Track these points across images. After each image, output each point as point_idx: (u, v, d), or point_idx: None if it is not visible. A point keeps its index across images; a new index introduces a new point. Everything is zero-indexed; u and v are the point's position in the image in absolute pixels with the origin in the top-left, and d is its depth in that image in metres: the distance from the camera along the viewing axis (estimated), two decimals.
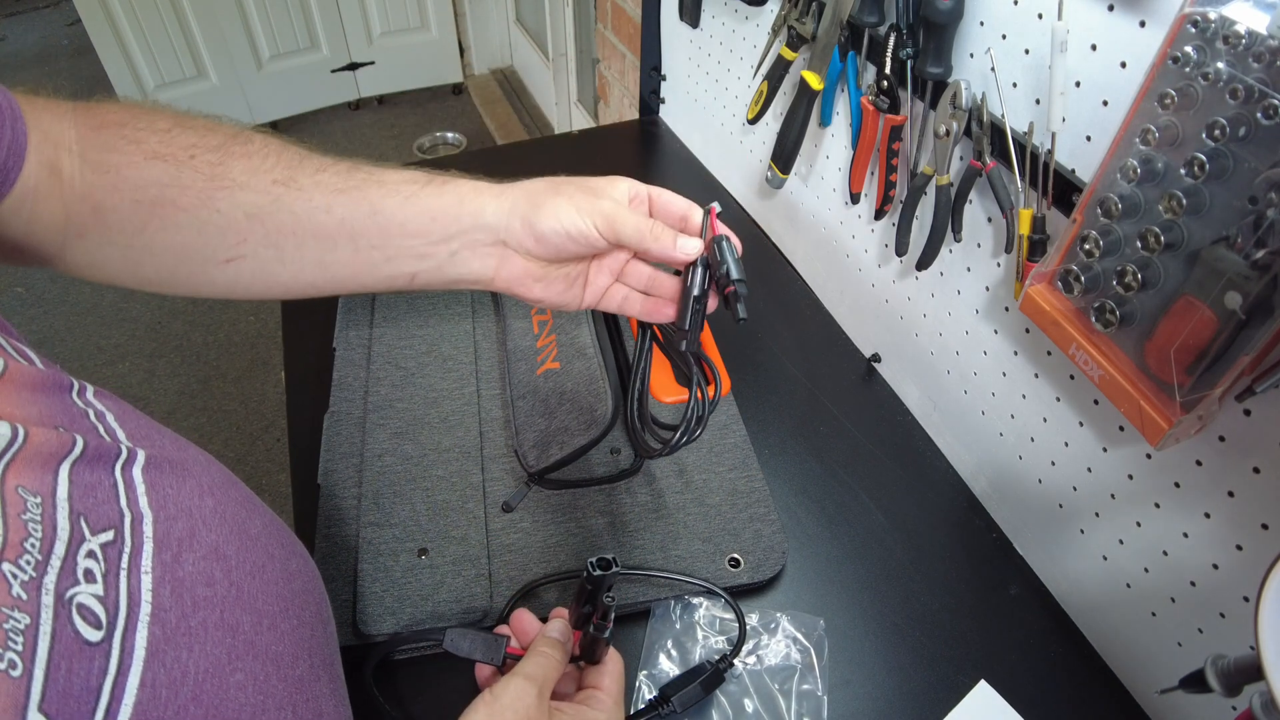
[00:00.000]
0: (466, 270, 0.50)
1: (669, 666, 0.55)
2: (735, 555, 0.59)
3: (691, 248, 0.46)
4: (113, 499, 0.31)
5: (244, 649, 0.32)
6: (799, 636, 0.56)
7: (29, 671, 0.24)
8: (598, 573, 0.44)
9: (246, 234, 0.46)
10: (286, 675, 0.34)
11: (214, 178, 0.45)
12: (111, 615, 0.28)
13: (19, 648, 0.24)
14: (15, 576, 0.25)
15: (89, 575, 0.28)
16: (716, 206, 0.48)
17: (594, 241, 0.46)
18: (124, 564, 0.29)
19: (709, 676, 0.52)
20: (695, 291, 0.45)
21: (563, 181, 0.49)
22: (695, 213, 0.49)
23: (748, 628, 0.56)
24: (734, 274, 0.44)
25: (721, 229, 0.47)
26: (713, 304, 0.47)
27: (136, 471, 0.33)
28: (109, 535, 0.30)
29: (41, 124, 0.43)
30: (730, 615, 0.57)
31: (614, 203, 0.47)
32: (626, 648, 0.56)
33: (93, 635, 0.27)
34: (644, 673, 0.54)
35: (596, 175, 0.50)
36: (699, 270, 0.46)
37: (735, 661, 0.54)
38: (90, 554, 0.28)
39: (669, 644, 0.56)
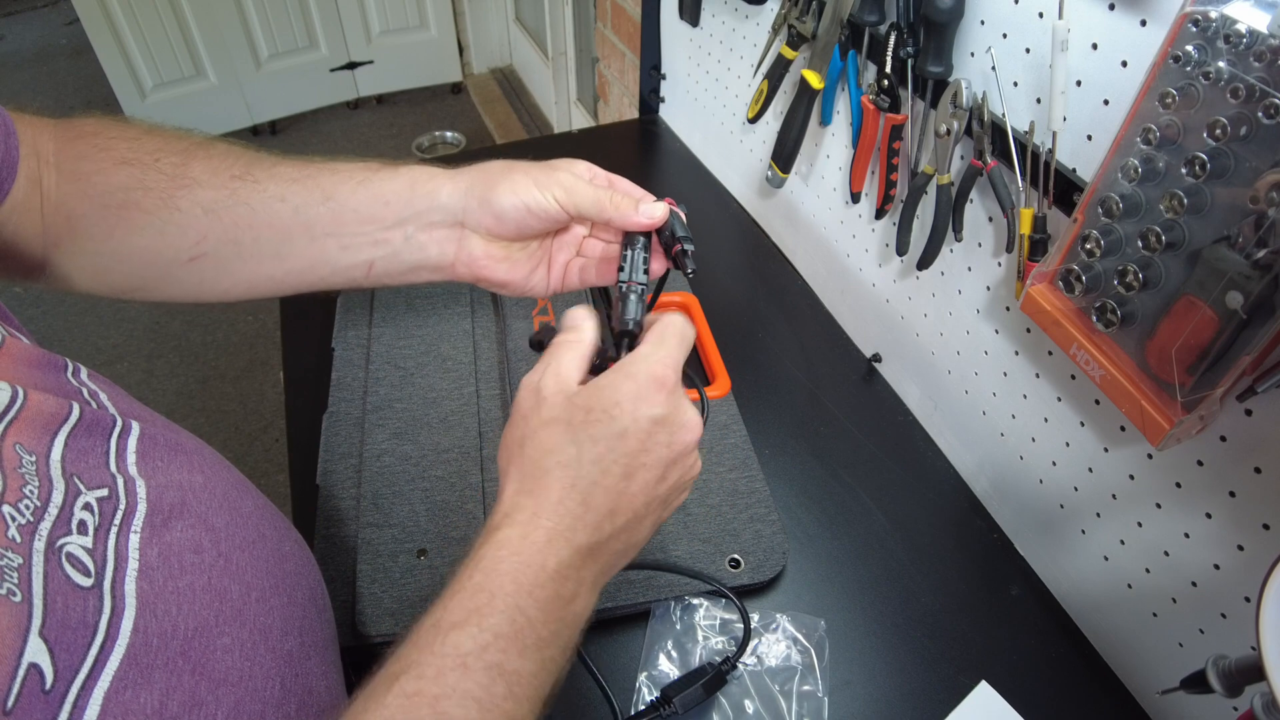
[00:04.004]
0: (424, 255, 0.50)
1: (669, 668, 0.55)
2: (735, 556, 0.59)
3: (656, 210, 0.46)
4: (103, 465, 0.32)
5: (231, 615, 0.32)
6: (799, 637, 0.56)
7: (28, 600, 0.25)
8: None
9: (205, 231, 0.47)
10: (275, 648, 0.34)
11: (175, 178, 0.46)
12: (99, 567, 0.29)
13: (15, 581, 0.25)
14: (13, 519, 0.27)
15: (82, 526, 0.29)
16: (678, 206, 0.49)
17: (554, 214, 0.47)
18: (116, 521, 0.30)
19: (711, 678, 0.52)
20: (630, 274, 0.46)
21: (519, 162, 0.49)
22: (649, 199, 0.50)
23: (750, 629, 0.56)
24: (683, 233, 0.46)
25: (672, 205, 0.48)
26: (658, 268, 0.48)
27: (130, 442, 0.34)
28: (103, 492, 0.31)
29: (26, 138, 0.44)
30: (730, 616, 0.57)
31: (572, 176, 0.47)
32: (627, 648, 0.56)
33: (82, 581, 0.28)
34: (644, 674, 0.54)
35: None
36: (638, 250, 0.46)
37: (737, 663, 0.54)
38: (86, 506, 0.30)
39: (669, 645, 0.56)
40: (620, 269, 0.46)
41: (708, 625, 0.56)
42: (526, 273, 0.51)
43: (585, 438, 0.37)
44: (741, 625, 0.56)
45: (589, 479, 0.36)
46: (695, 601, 0.57)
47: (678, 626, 0.56)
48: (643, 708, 0.52)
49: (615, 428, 0.37)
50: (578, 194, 0.46)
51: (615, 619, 0.58)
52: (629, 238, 0.47)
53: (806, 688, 0.54)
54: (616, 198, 0.46)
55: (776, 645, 0.56)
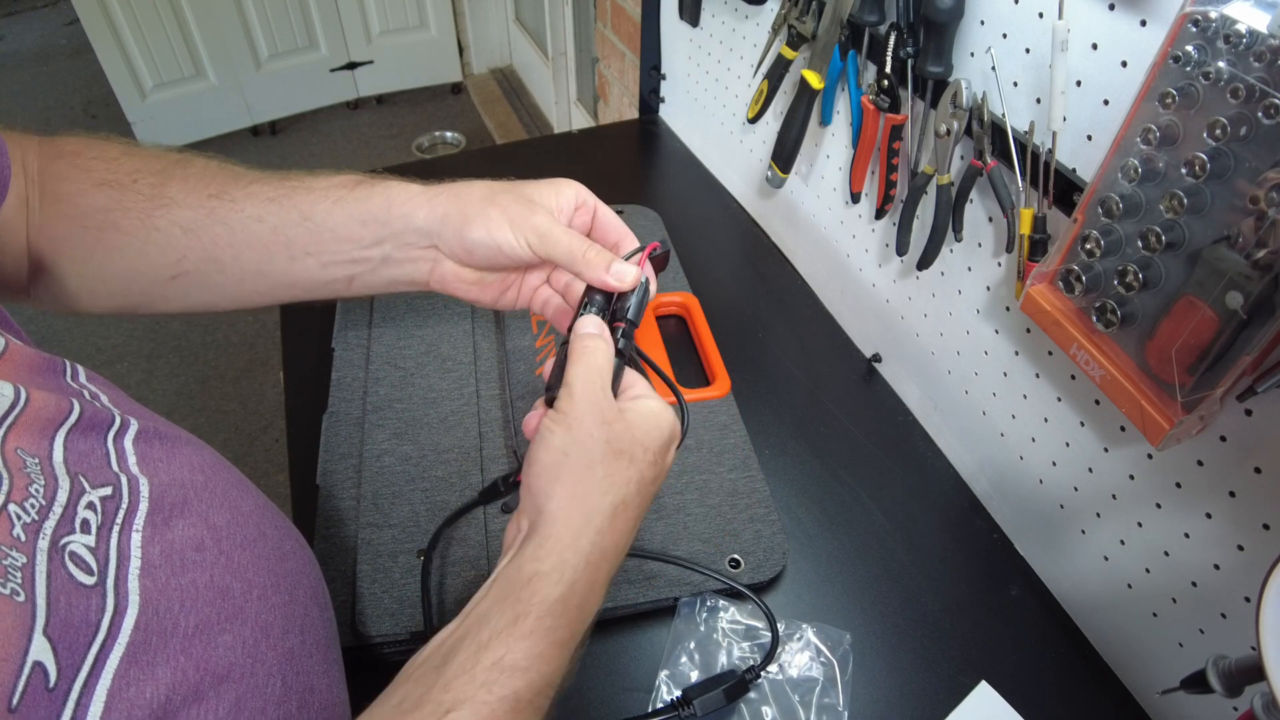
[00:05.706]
0: (401, 273, 0.50)
1: (690, 668, 0.54)
2: (735, 556, 0.59)
3: (627, 275, 0.44)
4: (105, 464, 0.32)
5: (233, 613, 0.33)
6: (824, 649, 0.56)
7: (31, 599, 0.26)
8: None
9: (185, 250, 0.47)
10: (276, 646, 0.34)
11: (153, 198, 0.46)
12: (102, 565, 0.29)
13: (19, 581, 0.26)
14: (19, 518, 0.27)
15: (85, 525, 0.29)
16: (659, 246, 0.47)
17: (525, 258, 0.46)
18: (119, 520, 0.31)
19: (734, 685, 0.51)
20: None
21: (500, 189, 0.48)
22: (629, 243, 0.48)
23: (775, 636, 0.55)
24: (631, 315, 0.44)
25: (647, 269, 0.46)
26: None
27: (128, 441, 0.34)
28: (107, 490, 0.31)
29: (15, 156, 0.45)
30: (755, 622, 0.56)
31: (549, 218, 0.46)
32: (650, 643, 0.56)
33: (85, 579, 0.28)
34: (665, 672, 0.54)
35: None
36: (593, 307, 0.44)
37: (761, 674, 0.53)
38: (90, 505, 0.30)
39: (691, 645, 0.55)
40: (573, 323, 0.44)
41: (732, 630, 0.56)
42: (496, 294, 0.52)
43: (626, 481, 0.39)
44: (766, 632, 0.55)
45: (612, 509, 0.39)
46: (720, 604, 0.57)
47: (701, 629, 0.56)
48: (661, 705, 0.52)
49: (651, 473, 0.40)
50: (550, 242, 0.45)
51: (641, 614, 0.58)
52: (591, 290, 0.45)
53: (827, 700, 0.53)
54: (590, 253, 0.44)
55: (800, 655, 0.55)
